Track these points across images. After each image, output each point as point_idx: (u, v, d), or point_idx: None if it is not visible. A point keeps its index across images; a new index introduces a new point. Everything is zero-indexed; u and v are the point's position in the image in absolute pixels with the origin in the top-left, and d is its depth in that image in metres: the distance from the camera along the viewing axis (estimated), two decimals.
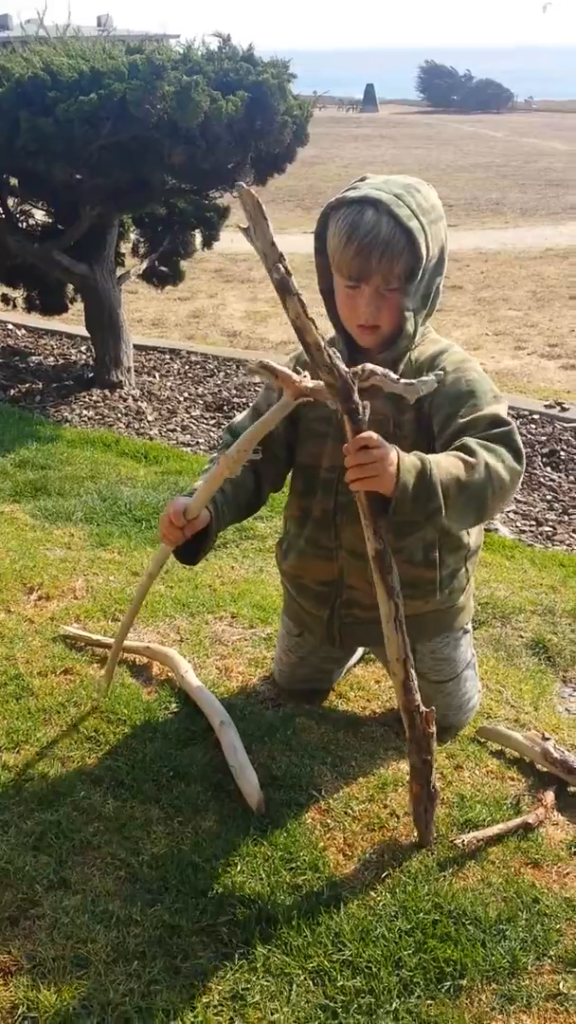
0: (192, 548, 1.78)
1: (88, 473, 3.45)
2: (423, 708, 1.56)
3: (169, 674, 2.15)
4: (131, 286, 5.24)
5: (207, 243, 5.07)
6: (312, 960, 1.43)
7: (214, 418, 4.37)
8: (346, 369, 1.44)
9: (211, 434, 4.17)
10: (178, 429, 4.23)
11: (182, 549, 1.78)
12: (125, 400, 4.55)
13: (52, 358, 5.33)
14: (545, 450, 3.89)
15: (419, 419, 1.72)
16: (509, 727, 1.96)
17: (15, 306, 5.27)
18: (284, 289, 1.39)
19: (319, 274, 1.78)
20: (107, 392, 4.60)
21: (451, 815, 1.72)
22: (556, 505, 3.45)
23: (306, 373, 1.53)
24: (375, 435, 1.47)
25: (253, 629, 2.39)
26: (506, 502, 1.65)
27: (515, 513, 3.39)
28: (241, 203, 1.40)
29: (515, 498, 3.50)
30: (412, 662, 1.57)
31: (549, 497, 3.52)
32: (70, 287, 4.99)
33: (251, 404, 1.95)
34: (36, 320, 5.65)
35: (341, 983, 1.40)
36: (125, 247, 5.12)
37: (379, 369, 1.47)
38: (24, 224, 4.74)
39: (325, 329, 1.88)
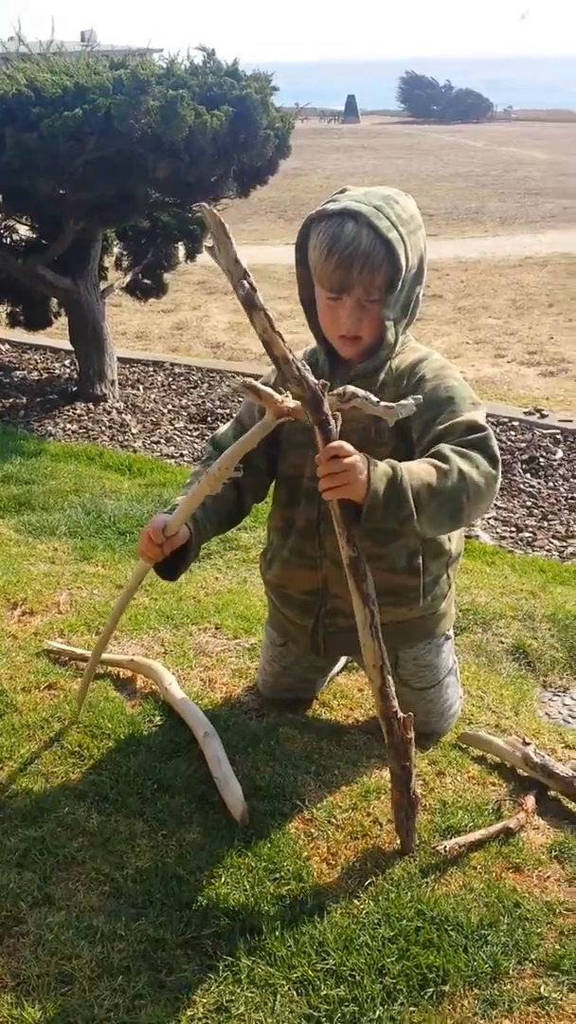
0: (172, 564, 1.79)
1: (72, 487, 3.45)
2: (400, 714, 1.58)
3: (153, 687, 2.16)
4: (115, 299, 5.26)
5: (190, 256, 5.10)
6: (296, 970, 1.44)
7: (198, 429, 4.39)
8: (315, 381, 1.46)
9: (195, 445, 4.18)
10: (162, 441, 4.25)
11: (161, 565, 1.79)
12: (109, 413, 4.56)
13: (36, 372, 5.33)
14: (525, 456, 3.92)
15: (398, 426, 1.74)
16: (490, 732, 1.98)
17: None
18: (250, 304, 1.42)
19: (300, 285, 1.81)
20: (91, 405, 4.62)
21: (433, 821, 1.73)
22: (536, 511, 3.48)
23: (288, 393, 1.55)
24: (345, 444, 1.49)
25: (237, 640, 2.40)
26: (483, 507, 1.67)
27: (495, 519, 3.42)
28: (205, 222, 1.43)
29: (495, 504, 3.53)
30: (389, 668, 1.58)
31: (529, 503, 3.55)
32: (54, 301, 5.00)
33: (234, 415, 1.97)
34: (20, 335, 5.65)
35: (325, 992, 1.40)
36: (109, 260, 5.15)
37: (360, 392, 1.49)
38: (8, 239, 4.76)
39: (306, 340, 1.91)
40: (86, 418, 4.49)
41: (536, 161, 17.11)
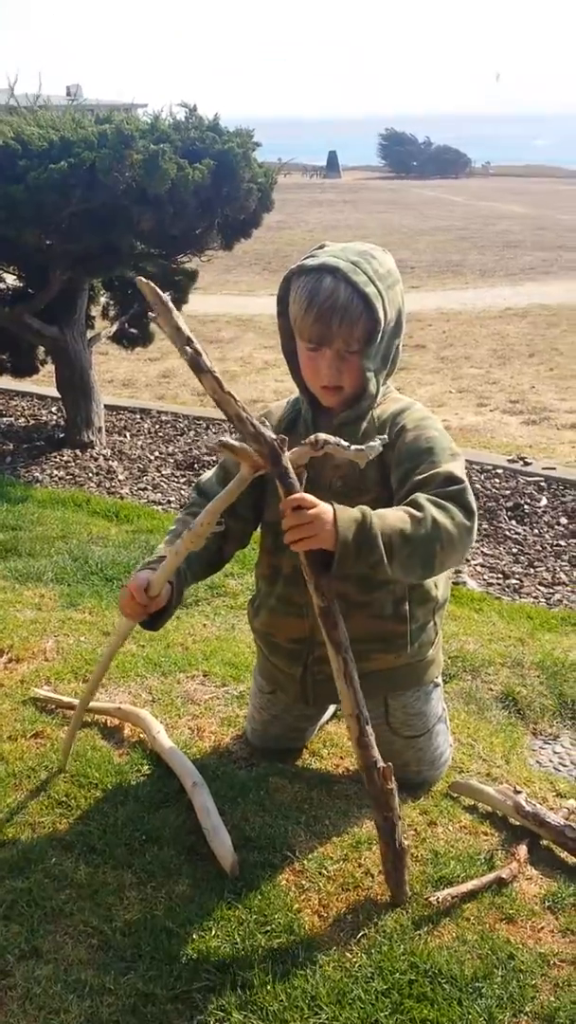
0: (154, 616, 1.80)
1: (59, 533, 3.45)
2: (381, 764, 1.57)
3: (141, 735, 2.14)
4: (102, 347, 5.31)
5: (176, 306, 5.16)
6: None
7: (184, 476, 4.41)
8: (272, 435, 1.50)
9: (182, 492, 4.20)
10: (149, 488, 4.26)
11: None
12: (96, 460, 4.58)
13: (23, 419, 5.35)
14: (509, 504, 3.96)
15: (382, 473, 1.77)
16: (481, 781, 1.97)
17: None
18: (197, 368, 1.47)
19: (283, 336, 1.85)
20: (78, 452, 4.64)
21: (425, 872, 1.71)
22: (522, 558, 3.51)
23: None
24: (307, 496, 1.52)
25: (225, 687, 2.39)
26: (456, 558, 1.69)
27: (482, 566, 3.44)
28: (144, 294, 1.47)
29: (482, 551, 3.56)
30: (367, 718, 1.57)
31: (515, 550, 3.58)
32: (41, 349, 5.05)
33: (219, 462, 1.99)
34: (7, 382, 5.69)
35: None
36: (95, 310, 5.21)
37: (331, 438, 1.53)
38: None
39: (292, 389, 1.94)
40: (73, 464, 4.51)
41: (514, 215, 17.56)
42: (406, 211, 18.57)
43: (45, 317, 4.52)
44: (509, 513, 3.89)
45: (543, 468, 4.33)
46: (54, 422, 5.20)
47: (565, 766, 2.16)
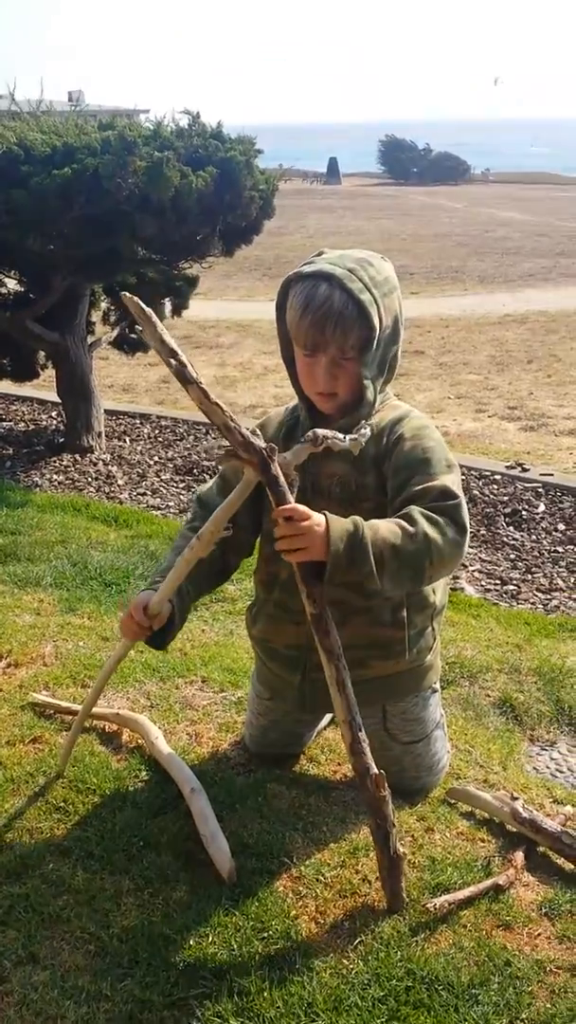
0: (158, 634, 1.81)
1: (58, 538, 3.46)
2: (374, 771, 1.57)
3: (139, 741, 2.15)
4: (102, 352, 5.32)
5: (176, 311, 5.18)
6: None
7: (184, 481, 4.42)
8: (261, 444, 1.51)
9: (181, 497, 4.21)
10: (148, 493, 4.27)
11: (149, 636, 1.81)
12: (95, 464, 4.59)
13: (23, 424, 5.36)
14: (507, 510, 3.97)
15: (380, 482, 1.78)
16: (478, 787, 1.97)
17: None
18: (182, 379, 1.48)
19: (281, 342, 1.85)
20: (78, 457, 4.64)
21: (422, 879, 1.72)
22: (520, 564, 3.52)
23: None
24: (299, 507, 1.53)
25: (223, 693, 2.39)
26: (446, 572, 1.71)
27: (480, 572, 3.45)
28: (129, 308, 1.49)
29: (480, 557, 3.57)
30: (360, 724, 1.58)
31: (513, 556, 3.58)
32: (41, 353, 5.06)
33: (219, 470, 2.00)
34: (7, 386, 5.70)
35: None
36: (96, 315, 5.22)
37: (328, 432, 1.54)
38: None
39: (292, 395, 1.95)
40: (72, 469, 4.51)
41: (513, 222, 17.60)
42: (405, 217, 18.62)
43: (46, 322, 4.53)
44: (507, 519, 3.90)
45: (541, 474, 4.33)
46: (54, 427, 5.21)
47: (562, 772, 2.17)
